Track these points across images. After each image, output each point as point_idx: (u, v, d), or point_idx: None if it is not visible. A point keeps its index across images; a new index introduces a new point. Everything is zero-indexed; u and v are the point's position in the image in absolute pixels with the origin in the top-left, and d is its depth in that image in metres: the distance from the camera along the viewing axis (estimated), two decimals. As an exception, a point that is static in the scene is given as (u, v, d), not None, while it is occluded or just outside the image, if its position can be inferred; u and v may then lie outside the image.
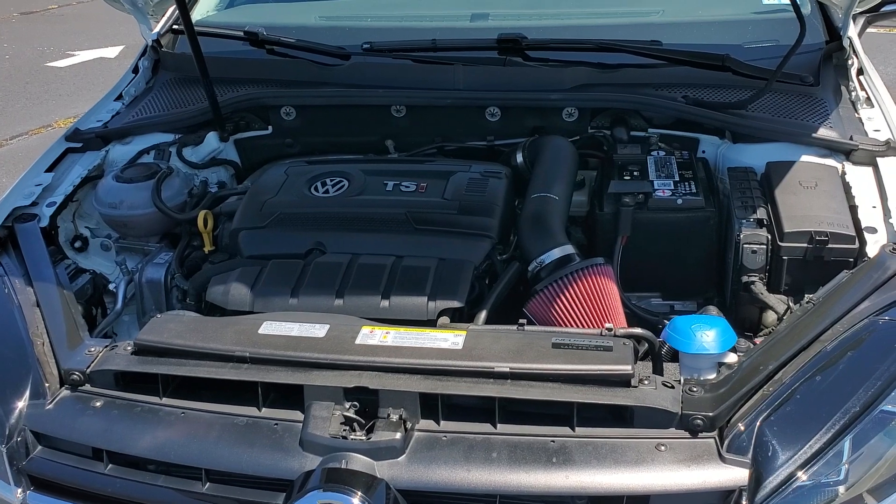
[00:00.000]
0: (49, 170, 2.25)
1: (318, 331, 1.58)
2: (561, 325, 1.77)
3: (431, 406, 1.46)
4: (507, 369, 1.46)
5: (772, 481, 1.35)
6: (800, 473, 1.36)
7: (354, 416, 1.44)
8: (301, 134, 2.44)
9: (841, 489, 1.37)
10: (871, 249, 1.74)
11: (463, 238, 1.90)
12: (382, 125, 2.40)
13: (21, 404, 1.59)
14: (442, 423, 1.45)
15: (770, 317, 1.85)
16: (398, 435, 1.41)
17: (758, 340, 1.75)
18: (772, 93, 2.21)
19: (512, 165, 2.22)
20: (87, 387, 1.61)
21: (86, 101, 5.10)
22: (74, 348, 1.68)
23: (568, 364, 1.47)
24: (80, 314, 1.82)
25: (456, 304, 1.73)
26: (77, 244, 2.21)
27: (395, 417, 1.44)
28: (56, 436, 1.56)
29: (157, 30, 2.74)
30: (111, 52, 8.04)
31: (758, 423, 1.40)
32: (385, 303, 1.72)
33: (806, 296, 1.74)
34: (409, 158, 2.34)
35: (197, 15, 2.85)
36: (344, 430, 1.43)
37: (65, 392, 1.61)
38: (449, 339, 1.54)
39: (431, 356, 1.50)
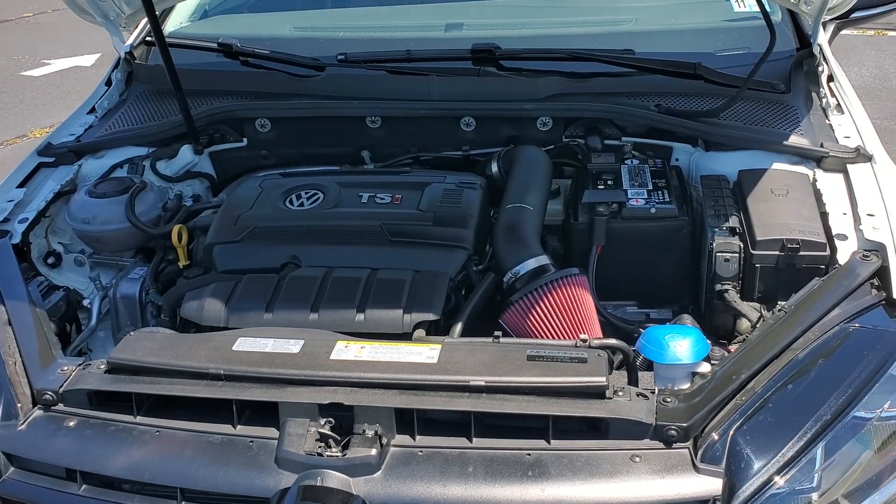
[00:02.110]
0: (21, 185, 2.22)
1: (293, 346, 1.57)
2: (536, 336, 1.77)
3: (407, 421, 1.46)
4: (482, 383, 1.46)
5: (745, 490, 1.36)
6: (774, 481, 1.36)
7: (330, 433, 1.44)
8: (276, 146, 2.44)
9: (814, 496, 1.38)
10: (842, 256, 1.75)
11: (438, 249, 1.90)
12: (358, 136, 2.39)
13: (-8, 426, 1.57)
14: (417, 437, 1.45)
15: (744, 324, 1.87)
16: (374, 451, 1.41)
17: (732, 348, 1.77)
18: (743, 100, 2.23)
19: (487, 175, 2.23)
20: (60, 406, 1.59)
21: (62, 111, 5.06)
22: (47, 367, 1.66)
23: (543, 376, 1.47)
24: (52, 332, 1.80)
25: (431, 316, 1.73)
26: (50, 260, 2.18)
27: (370, 433, 1.43)
28: (29, 457, 1.54)
29: (129, 42, 2.72)
30: (87, 60, 7.97)
31: (731, 433, 1.41)
32: (360, 316, 1.72)
33: (778, 303, 1.76)
34: (384, 170, 2.34)
35: (170, 26, 2.84)
36: (319, 446, 1.42)
37: (37, 412, 1.59)
38: (424, 352, 1.54)
39: (406, 371, 1.50)
